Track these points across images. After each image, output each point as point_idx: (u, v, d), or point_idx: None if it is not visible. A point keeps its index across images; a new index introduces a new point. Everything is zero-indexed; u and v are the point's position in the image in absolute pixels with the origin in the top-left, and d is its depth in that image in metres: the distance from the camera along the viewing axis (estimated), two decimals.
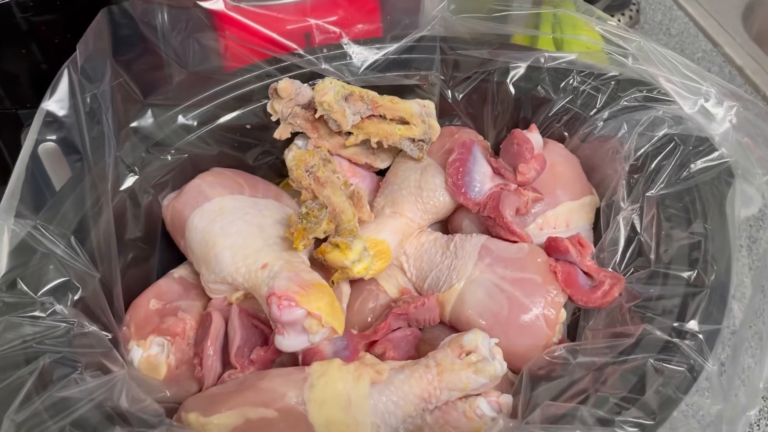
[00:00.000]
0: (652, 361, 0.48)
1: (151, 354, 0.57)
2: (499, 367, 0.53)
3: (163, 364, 0.56)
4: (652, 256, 0.55)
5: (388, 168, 0.71)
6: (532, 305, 0.57)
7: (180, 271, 0.64)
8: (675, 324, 0.49)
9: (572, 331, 0.62)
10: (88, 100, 0.54)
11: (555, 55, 0.64)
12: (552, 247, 0.60)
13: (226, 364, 0.56)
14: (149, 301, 0.59)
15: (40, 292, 0.51)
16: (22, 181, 0.50)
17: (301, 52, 0.64)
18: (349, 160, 0.70)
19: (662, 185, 0.58)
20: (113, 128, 0.57)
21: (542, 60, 0.64)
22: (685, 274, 0.52)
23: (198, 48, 0.61)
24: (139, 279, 0.62)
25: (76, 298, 0.53)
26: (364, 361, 0.54)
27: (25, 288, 0.51)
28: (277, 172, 0.73)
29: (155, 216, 0.63)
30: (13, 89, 0.79)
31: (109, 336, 0.54)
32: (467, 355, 0.53)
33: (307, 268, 0.55)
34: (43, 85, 0.56)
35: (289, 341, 0.50)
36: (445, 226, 0.70)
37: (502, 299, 0.58)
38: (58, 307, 0.51)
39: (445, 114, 0.72)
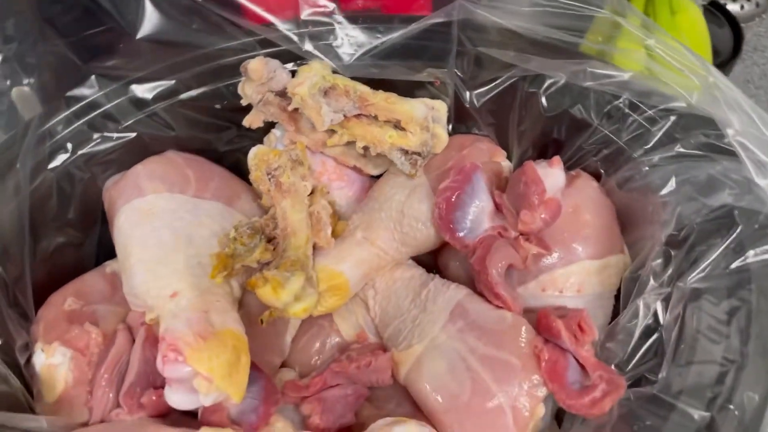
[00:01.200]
0: None
1: (52, 363, 0.49)
2: None
3: (61, 380, 0.49)
4: (662, 374, 0.41)
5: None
6: (500, 394, 0.45)
7: (114, 265, 0.55)
8: None
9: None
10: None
11: (602, 71, 0.49)
12: (542, 325, 0.47)
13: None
14: (65, 299, 0.52)
15: None
16: None
17: (279, 25, 0.52)
18: (336, 160, 0.59)
19: (703, 274, 0.43)
20: (40, 98, 0.48)
21: (583, 75, 0.49)
22: (696, 415, 0.38)
23: (150, 10, 0.50)
24: (67, 269, 0.55)
25: None
26: (270, 430, 0.44)
27: None
28: None
29: (93, 199, 0.55)
30: None
31: None
32: None
33: (222, 307, 0.45)
34: None
35: (177, 398, 0.41)
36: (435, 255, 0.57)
37: (464, 379, 0.46)
38: None
39: (462, 120, 0.58)
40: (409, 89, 0.56)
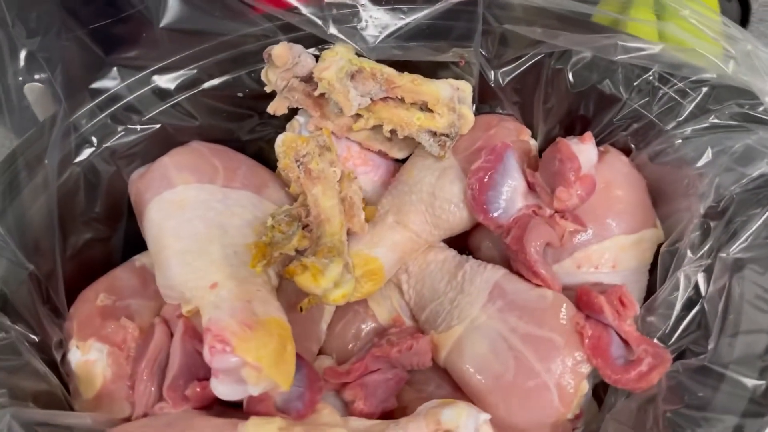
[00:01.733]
0: None
1: (89, 360, 0.49)
2: None
3: (99, 376, 0.48)
4: (711, 344, 0.41)
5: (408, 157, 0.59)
6: (544, 372, 0.45)
7: (144, 259, 0.55)
8: None
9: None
10: (22, 60, 0.44)
11: (633, 45, 0.48)
12: (583, 301, 0.47)
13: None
14: (98, 295, 0.51)
15: None
16: None
17: (303, 9, 0.51)
18: (360, 145, 0.58)
19: (745, 244, 0.43)
20: (63, 92, 0.47)
21: (614, 49, 0.48)
22: (749, 384, 0.38)
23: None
24: (96, 264, 0.54)
25: None
26: (317, 418, 0.44)
27: None
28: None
29: (119, 192, 0.54)
30: None
31: (36, 339, 0.47)
32: None
33: (263, 296, 0.44)
34: None
35: (223, 389, 0.41)
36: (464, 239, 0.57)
37: (507, 358, 0.46)
38: None
39: (486, 99, 0.58)
40: (432, 70, 0.55)
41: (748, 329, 0.40)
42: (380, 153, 0.58)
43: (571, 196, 0.47)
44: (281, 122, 0.58)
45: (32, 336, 0.46)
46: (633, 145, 0.53)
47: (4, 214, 0.46)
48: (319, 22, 0.52)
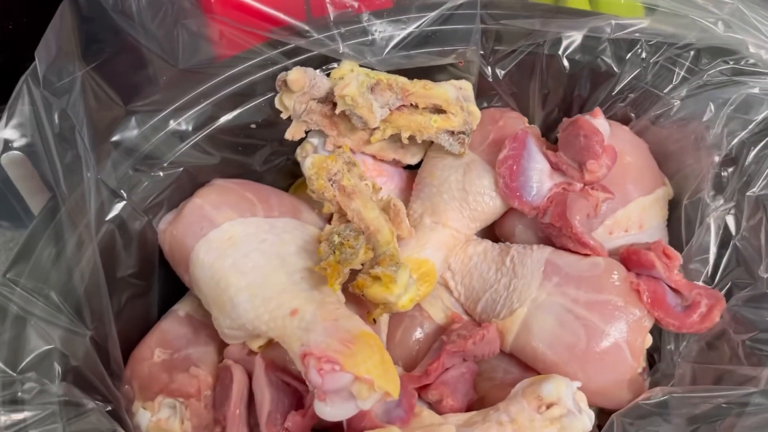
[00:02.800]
0: None
1: (161, 419, 0.47)
2: (588, 421, 0.44)
3: (178, 431, 0.46)
4: (764, 273, 0.45)
5: (419, 162, 0.60)
6: (614, 333, 0.48)
7: (185, 307, 0.53)
8: None
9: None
10: (56, 118, 0.42)
11: (623, 22, 0.53)
12: (632, 260, 0.50)
13: (253, 429, 0.47)
14: (153, 352, 0.49)
15: (19, 368, 0.41)
16: None
17: (312, 31, 0.52)
18: (373, 157, 0.59)
19: (766, 181, 0.48)
20: (90, 147, 0.45)
21: (608, 30, 0.53)
22: None
23: (187, 38, 0.49)
24: (138, 321, 0.52)
25: (65, 368, 0.42)
26: (421, 421, 0.45)
27: (0, 365, 0.40)
28: (288, 174, 0.62)
29: (150, 244, 0.52)
30: None
31: (110, 407, 0.44)
32: (548, 408, 0.43)
33: (346, 313, 0.45)
34: None
35: (333, 410, 0.41)
36: (490, 230, 0.59)
37: (576, 327, 0.48)
38: (44, 385, 0.41)
39: (482, 94, 0.60)
40: (429, 73, 0.58)
41: None
42: (394, 162, 0.60)
43: (601, 166, 0.51)
44: (290, 149, 0.58)
45: (108, 405, 0.44)
46: (632, 114, 0.57)
47: (52, 278, 0.44)
48: (327, 39, 0.53)
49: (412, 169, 0.61)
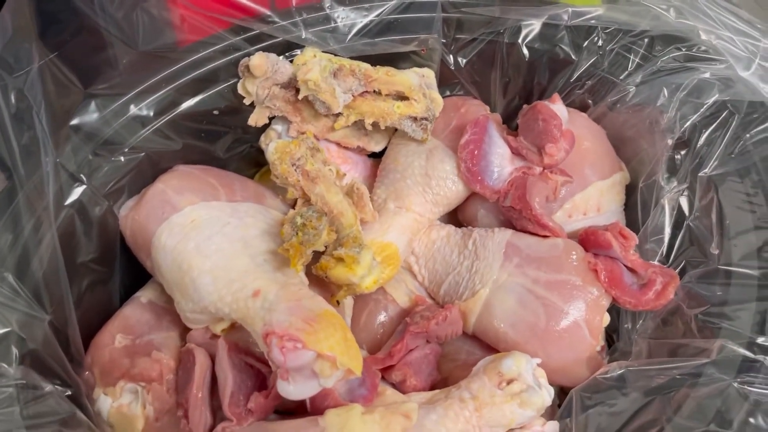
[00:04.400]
0: (735, 384, 0.40)
1: (122, 404, 0.47)
2: (548, 396, 0.44)
3: (140, 416, 0.46)
4: (714, 250, 0.47)
5: (383, 150, 0.61)
6: (572, 311, 0.49)
7: (148, 294, 0.53)
8: (757, 337, 0.41)
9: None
10: (13, 98, 0.42)
11: (579, 10, 0.54)
12: (590, 241, 0.51)
13: (216, 411, 0.46)
14: (114, 338, 0.49)
15: None
16: None
17: (275, 17, 0.52)
18: (338, 144, 0.59)
19: (716, 162, 0.49)
20: (49, 130, 0.45)
21: (565, 17, 0.54)
22: (756, 273, 0.44)
23: (147, 20, 0.48)
24: (99, 308, 0.52)
25: (22, 352, 0.42)
26: (384, 399, 0.45)
27: None
28: (251, 162, 0.62)
29: (111, 230, 0.52)
30: None
31: (69, 392, 0.44)
32: (508, 384, 0.44)
33: (308, 293, 0.45)
34: None
35: (295, 388, 0.41)
36: (453, 215, 0.60)
37: (537, 307, 0.49)
38: (0, 368, 0.40)
39: (444, 82, 0.61)
40: (392, 61, 0.58)
41: (743, 230, 0.46)
42: (358, 149, 0.60)
43: (560, 150, 0.52)
44: (254, 137, 0.58)
45: (67, 390, 0.43)
46: (590, 101, 0.58)
47: (9, 261, 0.43)
48: (290, 26, 0.53)
49: (376, 157, 0.62)
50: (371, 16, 0.55)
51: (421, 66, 0.59)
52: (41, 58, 0.44)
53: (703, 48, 0.53)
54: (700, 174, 0.49)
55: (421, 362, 0.50)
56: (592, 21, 0.53)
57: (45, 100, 0.45)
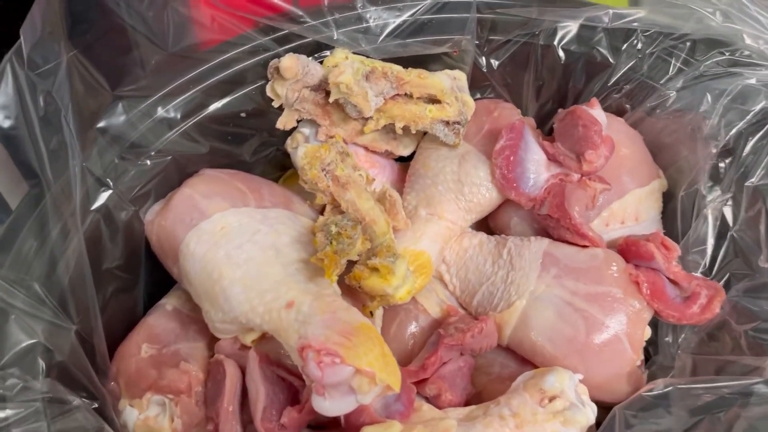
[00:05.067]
0: None
1: (149, 416, 0.45)
2: (591, 414, 0.43)
3: (167, 429, 0.45)
4: (763, 263, 0.45)
5: (411, 155, 0.59)
6: (613, 325, 0.47)
7: (172, 301, 0.52)
8: None
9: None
10: (41, 101, 0.40)
11: (620, 12, 0.52)
12: (631, 252, 0.50)
13: (247, 425, 0.45)
14: (140, 347, 0.47)
15: (1, 363, 0.39)
16: None
17: (305, 17, 0.51)
18: (366, 148, 0.58)
19: (764, 172, 0.48)
20: (76, 133, 0.43)
21: (605, 19, 0.52)
22: None
23: (176, 21, 0.47)
24: (123, 316, 0.50)
25: (49, 363, 0.40)
26: (421, 416, 0.43)
27: None
28: (277, 166, 0.60)
29: (137, 235, 0.50)
30: None
31: (96, 404, 0.42)
32: (550, 401, 0.43)
33: (343, 305, 0.43)
34: None
35: (332, 404, 0.39)
36: (483, 222, 0.58)
37: (576, 320, 0.48)
38: (27, 381, 0.39)
39: (475, 85, 0.59)
40: (422, 62, 0.57)
41: None
42: (386, 153, 0.59)
43: (600, 157, 0.50)
44: (280, 140, 0.57)
45: (94, 402, 0.42)
46: (628, 106, 0.57)
47: (35, 269, 0.42)
48: (321, 26, 0.52)
49: (404, 161, 0.60)
50: (404, 17, 0.53)
51: (452, 68, 0.57)
52: (69, 59, 0.42)
53: (747, 53, 0.51)
54: (746, 183, 0.48)
55: (456, 375, 0.48)
56: (634, 23, 0.52)
57: (72, 101, 0.43)
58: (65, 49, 0.42)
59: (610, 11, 0.52)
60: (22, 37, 0.39)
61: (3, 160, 0.41)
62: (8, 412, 0.37)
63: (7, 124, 0.40)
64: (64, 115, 0.42)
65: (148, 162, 0.50)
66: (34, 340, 0.40)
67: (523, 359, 0.51)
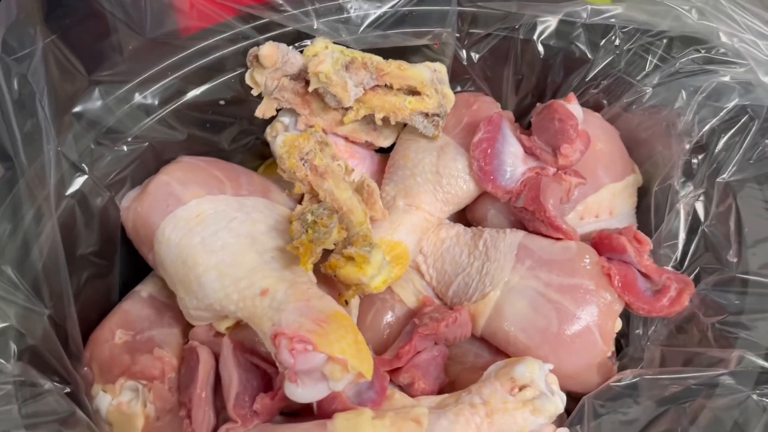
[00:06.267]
0: (754, 396, 0.39)
1: (122, 402, 0.45)
2: (560, 403, 0.44)
3: (140, 415, 0.45)
4: (732, 258, 0.46)
5: (391, 146, 0.59)
6: (585, 316, 0.48)
7: (148, 288, 0.52)
8: None
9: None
10: (16, 84, 0.40)
11: (598, 8, 0.53)
12: (604, 245, 0.50)
13: (220, 411, 0.45)
14: (114, 333, 0.47)
15: None
16: None
17: (285, 5, 0.51)
18: (346, 139, 0.58)
19: (735, 168, 0.48)
20: (51, 117, 0.43)
21: (584, 15, 0.53)
22: None
23: (155, 7, 0.47)
24: (97, 302, 0.50)
25: (21, 347, 0.40)
26: (393, 403, 0.44)
27: None
28: (257, 155, 0.61)
29: (112, 221, 0.50)
30: None
31: (68, 389, 0.42)
32: (520, 390, 0.43)
33: (317, 292, 0.43)
34: None
35: (304, 391, 0.40)
36: (460, 214, 0.59)
37: (549, 311, 0.48)
38: None
39: (455, 78, 0.60)
40: (402, 54, 0.57)
41: (762, 238, 0.45)
42: (366, 144, 0.59)
43: (575, 151, 0.51)
44: (260, 128, 0.57)
45: (66, 387, 0.42)
46: (605, 101, 0.57)
47: (8, 253, 0.41)
48: (301, 15, 0.52)
49: (383, 153, 0.60)
50: (385, 8, 0.54)
51: (432, 60, 0.57)
52: (46, 44, 0.42)
53: (722, 51, 0.52)
54: (717, 179, 0.48)
55: (429, 364, 0.49)
56: (612, 20, 0.52)
57: (48, 86, 0.43)
58: (41, 33, 0.42)
59: (589, 7, 0.53)
60: None
61: None
62: None
63: None
64: (39, 98, 0.42)
65: (125, 148, 0.50)
66: (6, 324, 0.40)
67: (496, 349, 0.52)
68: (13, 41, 0.40)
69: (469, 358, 0.52)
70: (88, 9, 0.44)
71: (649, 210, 0.54)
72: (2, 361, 0.39)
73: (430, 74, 0.56)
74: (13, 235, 0.42)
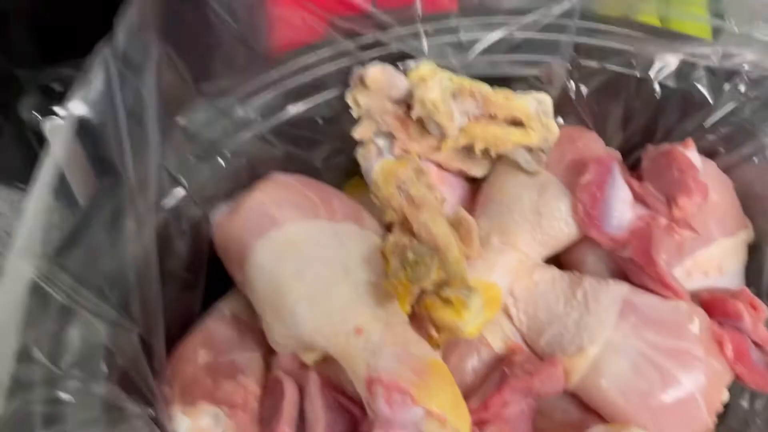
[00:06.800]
0: None
1: (201, 428, 0.44)
2: None
3: None
4: None
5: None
6: (691, 384, 0.45)
7: (231, 306, 0.50)
8: None
9: None
10: (130, 96, 0.39)
11: (730, 51, 0.49)
12: (716, 308, 0.47)
13: None
14: (197, 353, 0.46)
15: (62, 364, 0.38)
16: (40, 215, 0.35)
17: (394, 24, 0.48)
18: (438, 165, 0.56)
19: None
20: (159, 131, 0.42)
21: (713, 58, 0.49)
22: None
23: (265, 19, 0.45)
24: (180, 315, 0.49)
25: (110, 367, 0.39)
26: None
27: (42, 359, 0.37)
28: (346, 173, 0.58)
29: (203, 235, 0.49)
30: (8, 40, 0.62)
31: (152, 411, 0.41)
32: None
33: (414, 336, 0.41)
34: (49, 40, 0.40)
35: None
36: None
37: (652, 375, 0.45)
38: (88, 385, 0.38)
39: (557, 109, 0.56)
40: (506, 82, 0.54)
41: None
42: (459, 173, 0.56)
43: (694, 204, 0.47)
44: (351, 147, 0.55)
45: (149, 409, 0.41)
46: (722, 149, 0.53)
47: (103, 265, 0.40)
48: (409, 35, 0.49)
49: (477, 181, 0.58)
50: (498, 33, 0.51)
51: (538, 89, 0.55)
52: (161, 56, 0.41)
53: None
54: None
55: (519, 419, 0.46)
56: (744, 66, 0.48)
57: (158, 97, 0.42)
58: (157, 42, 0.41)
59: (720, 49, 0.49)
60: (117, 28, 0.38)
61: (77, 156, 0.40)
62: (67, 417, 0.36)
63: (97, 119, 0.38)
64: (149, 110, 0.41)
65: (222, 162, 0.48)
66: (98, 341, 0.39)
67: (586, 407, 0.49)
68: (132, 50, 0.39)
69: (557, 415, 0.49)
70: (202, 20, 0.43)
71: (760, 270, 0.51)
72: (92, 381, 0.38)
73: (536, 105, 0.53)
74: (110, 248, 0.41)
